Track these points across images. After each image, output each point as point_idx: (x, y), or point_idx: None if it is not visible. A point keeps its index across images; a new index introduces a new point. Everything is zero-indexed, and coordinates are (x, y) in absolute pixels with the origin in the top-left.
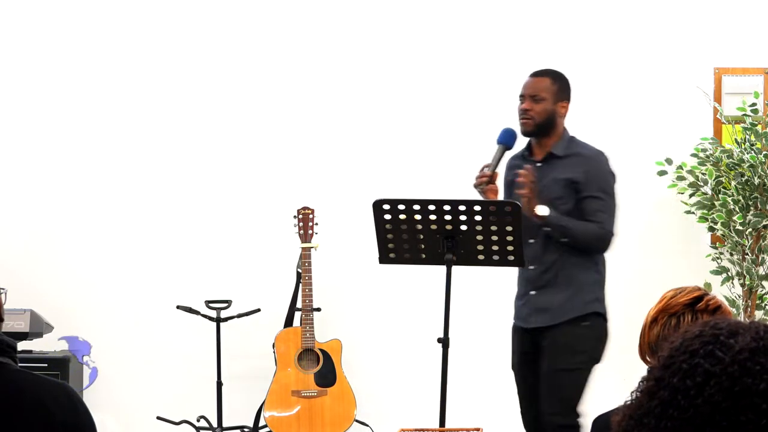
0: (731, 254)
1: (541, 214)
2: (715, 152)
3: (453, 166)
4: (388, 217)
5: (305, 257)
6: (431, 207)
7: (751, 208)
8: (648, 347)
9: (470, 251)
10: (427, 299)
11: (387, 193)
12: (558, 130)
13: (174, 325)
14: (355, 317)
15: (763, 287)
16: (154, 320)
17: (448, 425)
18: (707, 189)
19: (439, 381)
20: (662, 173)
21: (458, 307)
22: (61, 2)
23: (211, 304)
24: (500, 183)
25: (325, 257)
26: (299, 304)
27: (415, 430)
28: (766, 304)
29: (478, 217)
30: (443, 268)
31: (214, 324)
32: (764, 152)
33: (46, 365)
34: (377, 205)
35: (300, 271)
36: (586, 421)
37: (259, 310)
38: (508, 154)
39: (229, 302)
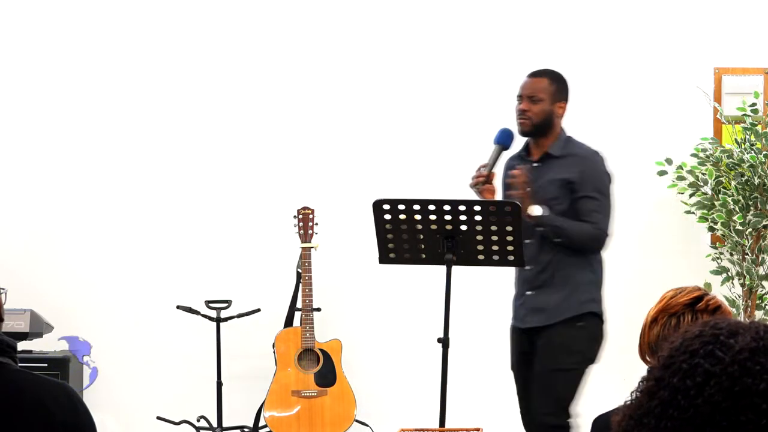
0: (731, 254)
1: (534, 215)
2: (715, 152)
3: (453, 166)
4: (388, 217)
5: (305, 257)
6: (431, 207)
7: (751, 208)
8: (648, 347)
9: (470, 251)
10: (427, 299)
11: (387, 193)
12: (555, 130)
13: (174, 325)
14: (355, 317)
15: (763, 287)
16: (154, 320)
17: (448, 425)
18: (707, 189)
19: (439, 381)
20: (662, 173)
21: (458, 307)
22: (61, 2)
23: (211, 304)
24: (498, 183)
25: (325, 257)
26: (299, 304)
27: (415, 430)
28: (766, 304)
29: (478, 217)
30: (443, 268)
31: (214, 324)
32: (764, 152)
33: (46, 365)
34: (377, 205)
35: (300, 271)
36: (584, 421)
37: (259, 310)
38: (506, 155)
39: (229, 302)
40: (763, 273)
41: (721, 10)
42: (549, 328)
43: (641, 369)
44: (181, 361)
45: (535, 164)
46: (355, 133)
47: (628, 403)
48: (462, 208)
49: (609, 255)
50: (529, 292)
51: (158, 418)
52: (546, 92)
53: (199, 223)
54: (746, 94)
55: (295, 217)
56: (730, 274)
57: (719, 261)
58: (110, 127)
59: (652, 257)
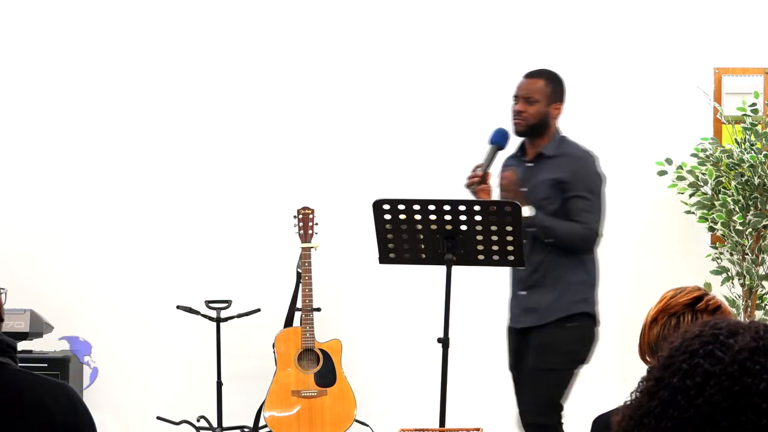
0: (731, 254)
1: (524, 216)
2: (715, 152)
3: (452, 166)
4: (388, 217)
5: (305, 257)
6: (431, 207)
7: (751, 208)
8: (648, 347)
9: (470, 251)
10: (427, 299)
11: (387, 193)
12: (550, 131)
13: (174, 325)
14: (355, 317)
15: (763, 287)
16: (154, 320)
17: (448, 425)
18: (707, 189)
19: (439, 381)
20: (662, 173)
21: (458, 307)
22: (61, 2)
23: (211, 304)
24: (495, 183)
25: (325, 257)
26: (299, 304)
27: (415, 430)
28: (766, 304)
29: (478, 217)
30: (443, 268)
31: (214, 324)
32: (764, 152)
33: (46, 365)
34: (377, 205)
35: (300, 271)
36: (581, 421)
37: (259, 310)
38: (503, 154)
39: (229, 302)
40: (763, 273)
41: (721, 10)
42: (541, 328)
43: (641, 369)
44: (181, 361)
45: (529, 164)
46: (355, 133)
47: (628, 403)
48: (462, 208)
49: (609, 255)
50: (522, 292)
51: (158, 418)
52: (542, 93)
53: (199, 223)
54: (746, 94)
55: (295, 217)
56: (730, 274)
57: (719, 261)
58: (110, 128)
59: (652, 257)
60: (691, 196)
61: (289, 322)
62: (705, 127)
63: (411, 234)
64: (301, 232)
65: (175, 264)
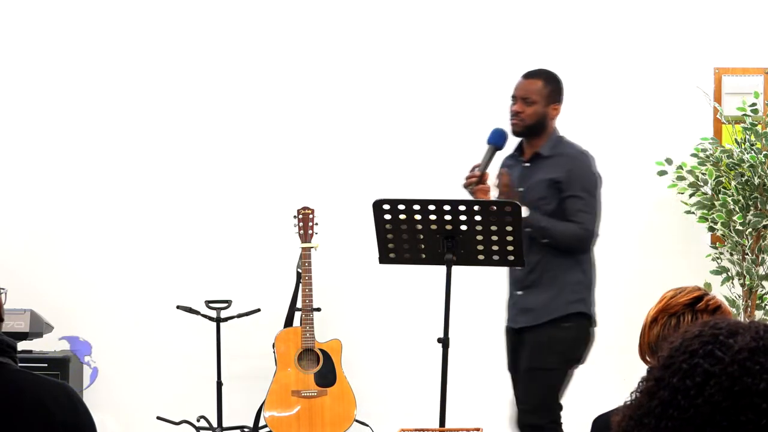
0: (731, 254)
1: None
2: (715, 152)
3: (453, 167)
4: (388, 217)
5: (305, 257)
6: (431, 207)
7: (751, 208)
8: (648, 347)
9: (470, 251)
10: (427, 299)
11: (387, 193)
12: (548, 131)
13: (174, 325)
14: (355, 317)
15: (763, 287)
16: (154, 320)
17: (448, 425)
18: (707, 189)
19: (439, 381)
20: (662, 173)
21: (458, 308)
22: (61, 2)
23: (211, 304)
24: (493, 183)
25: (325, 257)
26: (299, 304)
27: (415, 430)
28: (766, 304)
29: (478, 217)
30: (443, 268)
31: (214, 324)
32: (764, 152)
33: (46, 365)
34: (377, 205)
35: (300, 271)
36: (580, 421)
37: (259, 310)
38: (502, 154)
39: (229, 302)
40: (763, 273)
41: (721, 10)
42: (536, 328)
43: (641, 369)
44: (181, 361)
45: (525, 164)
46: (355, 133)
47: (628, 403)
48: (462, 208)
49: (609, 255)
50: (518, 292)
51: (158, 418)
52: (540, 94)
53: (199, 223)
54: (746, 94)
55: (295, 217)
56: (730, 274)
57: (719, 261)
58: (110, 128)
59: (652, 257)
60: (691, 196)
61: (289, 322)
62: (705, 127)
63: (411, 234)
64: (301, 232)
65: (175, 264)
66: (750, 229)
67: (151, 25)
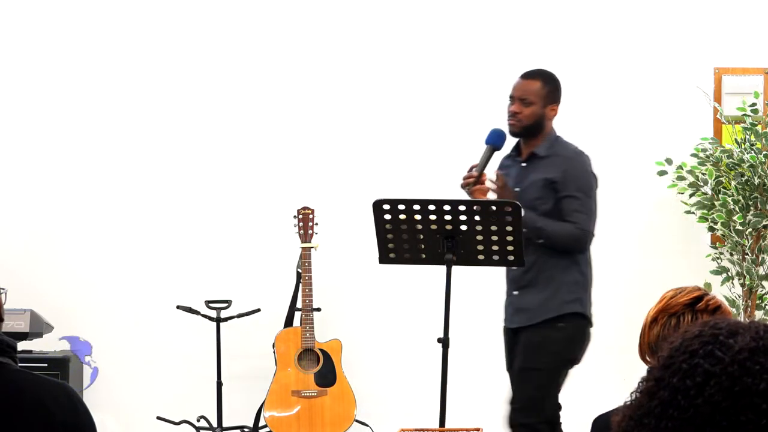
0: (731, 254)
1: None
2: (715, 152)
3: (452, 167)
4: (388, 217)
5: (305, 257)
6: (431, 207)
7: (751, 208)
8: (648, 347)
9: (470, 251)
10: (427, 299)
11: (387, 193)
12: (545, 131)
13: (174, 325)
14: (355, 317)
15: (763, 287)
16: (154, 320)
17: (448, 425)
18: (707, 189)
19: (439, 381)
20: (662, 173)
21: (458, 307)
22: (61, 2)
23: (211, 304)
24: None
25: (325, 257)
26: (299, 304)
27: (415, 430)
28: (766, 304)
29: (478, 217)
30: (443, 268)
31: (214, 324)
32: (764, 152)
33: (46, 365)
34: (377, 205)
35: (300, 271)
36: (579, 421)
37: (259, 310)
38: (500, 155)
39: (229, 302)
40: (763, 273)
41: (721, 10)
42: (531, 327)
43: (641, 369)
44: (181, 361)
45: (522, 164)
46: (355, 133)
47: (628, 403)
48: (462, 208)
49: (609, 255)
50: (515, 292)
51: (158, 418)
52: (537, 95)
53: (199, 223)
54: (746, 94)
55: (295, 217)
56: (730, 274)
57: (719, 261)
58: (110, 128)
59: (652, 257)
60: (691, 196)
61: (289, 322)
62: (705, 127)
63: (411, 234)
64: (301, 232)
65: (175, 264)
66: (750, 229)
67: (151, 26)
